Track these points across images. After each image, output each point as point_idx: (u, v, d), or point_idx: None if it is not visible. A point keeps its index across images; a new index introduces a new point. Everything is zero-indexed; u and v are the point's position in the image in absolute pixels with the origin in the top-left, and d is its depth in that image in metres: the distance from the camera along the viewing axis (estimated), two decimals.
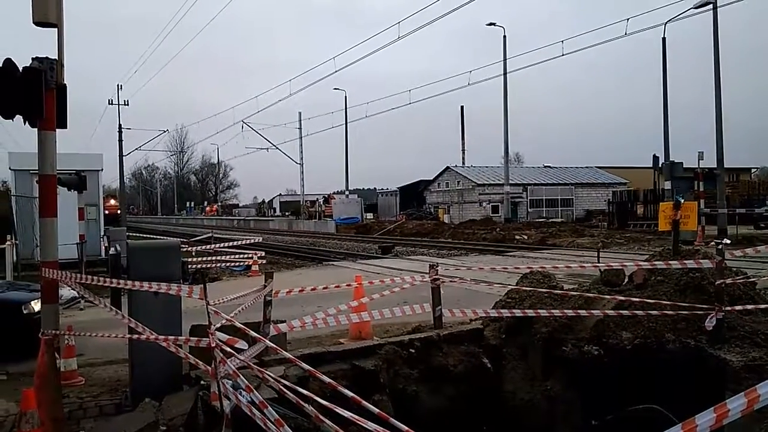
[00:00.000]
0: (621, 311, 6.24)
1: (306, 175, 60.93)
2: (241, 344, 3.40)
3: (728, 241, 5.99)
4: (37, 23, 5.21)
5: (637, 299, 6.19)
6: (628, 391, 5.88)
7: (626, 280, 7.32)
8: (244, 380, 3.19)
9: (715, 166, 26.09)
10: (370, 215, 60.96)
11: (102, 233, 18.68)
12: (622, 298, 6.32)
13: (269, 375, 3.28)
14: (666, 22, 26.21)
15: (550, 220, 47.41)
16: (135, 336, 4.36)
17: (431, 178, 62.68)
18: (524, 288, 7.11)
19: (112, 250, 5.09)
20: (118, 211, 53.57)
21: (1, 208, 19.23)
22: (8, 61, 4.95)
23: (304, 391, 3.49)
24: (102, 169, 20.01)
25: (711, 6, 23.51)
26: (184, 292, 3.96)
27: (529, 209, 53.94)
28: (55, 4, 5.20)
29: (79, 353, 6.90)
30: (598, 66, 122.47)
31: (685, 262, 6.03)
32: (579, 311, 6.42)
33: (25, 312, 7.57)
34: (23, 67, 4.94)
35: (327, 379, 3.32)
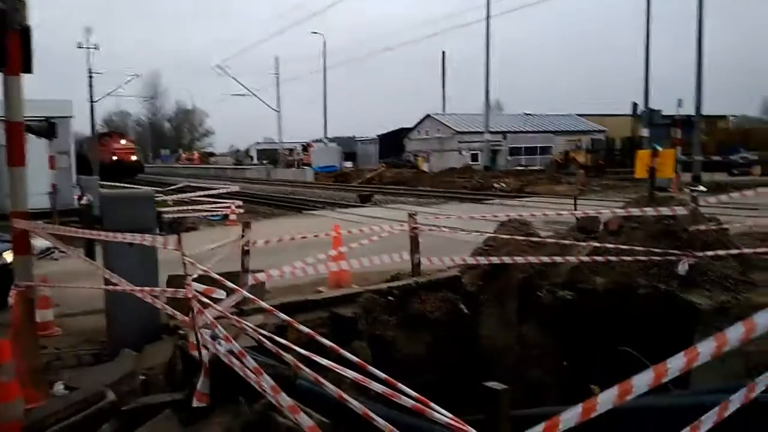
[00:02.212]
0: (595, 257, 6.34)
1: (284, 122, 60.33)
2: (218, 294, 3.37)
3: (703, 189, 6.07)
4: None
5: (612, 245, 6.30)
6: (600, 334, 6.04)
7: (602, 227, 7.43)
8: (222, 330, 3.19)
9: (694, 113, 26.24)
10: (349, 163, 60.53)
11: (74, 182, 18.31)
12: (597, 244, 6.42)
13: (247, 324, 3.28)
14: None
15: (529, 168, 47.64)
16: (111, 287, 4.30)
17: (412, 126, 62.19)
18: (502, 236, 7.17)
19: (84, 200, 4.97)
20: (134, 156, 48.09)
21: None
22: None
23: (283, 341, 3.51)
24: (72, 116, 19.43)
25: None
26: (159, 242, 3.89)
27: (508, 157, 53.99)
28: None
29: (55, 304, 6.85)
30: (581, 13, 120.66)
31: (660, 209, 6.11)
32: (554, 258, 6.51)
33: None
34: None
35: (305, 329, 3.33)
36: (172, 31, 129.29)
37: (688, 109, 26.75)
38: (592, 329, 6.17)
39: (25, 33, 4.93)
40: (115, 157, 45.15)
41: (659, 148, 7.74)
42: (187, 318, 3.44)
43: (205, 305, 3.55)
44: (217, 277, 3.52)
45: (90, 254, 5.13)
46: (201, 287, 3.35)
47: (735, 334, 1.94)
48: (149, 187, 6.31)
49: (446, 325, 6.64)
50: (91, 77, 41.74)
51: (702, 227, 5.96)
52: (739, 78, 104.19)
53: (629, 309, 6.03)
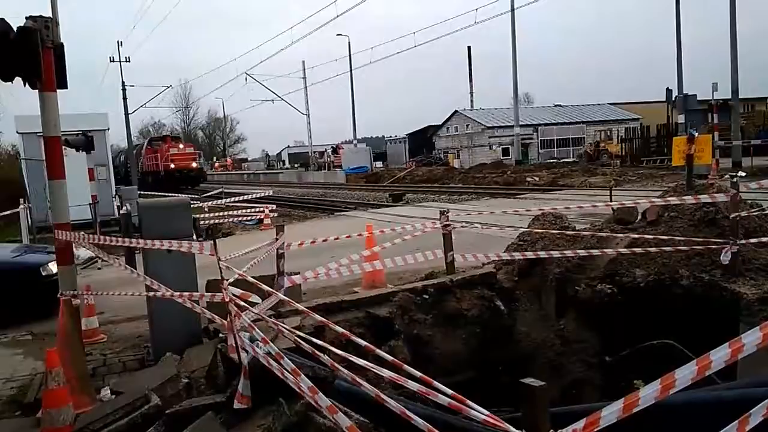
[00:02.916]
0: (634, 249, 6.21)
1: (313, 125, 60.46)
2: (255, 298, 3.43)
3: (743, 174, 5.90)
4: None
5: (651, 236, 6.15)
6: (642, 328, 5.92)
7: (639, 217, 7.28)
8: (260, 332, 3.23)
9: (730, 97, 25.48)
10: (379, 164, 60.72)
11: (114, 193, 18.80)
12: (635, 235, 6.28)
13: (283, 327, 3.31)
14: None
15: (562, 160, 46.96)
16: (152, 294, 4.41)
17: (440, 123, 61.97)
18: (536, 230, 7.09)
19: (123, 210, 5.12)
20: (194, 163, 42.14)
21: (11, 172, 19.37)
22: (2, 22, 4.84)
23: (319, 342, 3.54)
24: (108, 129, 19.95)
25: None
26: (195, 248, 3.97)
27: (540, 150, 53.37)
28: None
29: (99, 311, 7.05)
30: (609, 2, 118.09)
31: (699, 197, 5.94)
32: (591, 251, 6.40)
33: (43, 274, 7.70)
34: (18, 27, 4.84)
35: (340, 329, 3.34)
36: (204, 43, 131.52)
37: (724, 93, 25.99)
38: (634, 323, 6.05)
39: (58, 50, 5.08)
40: (172, 165, 39.93)
41: (696, 134, 7.53)
42: (225, 322, 3.50)
43: (242, 308, 3.62)
44: (253, 280, 3.57)
45: (131, 262, 5.27)
46: (238, 291, 3.41)
47: None
48: (185, 195, 6.47)
49: (483, 322, 6.59)
50: (124, 89, 42.67)
51: (744, 213, 5.78)
52: None
53: (671, 301, 5.89)
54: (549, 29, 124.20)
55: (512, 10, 37.23)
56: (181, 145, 43.28)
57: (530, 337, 6.63)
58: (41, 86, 4.98)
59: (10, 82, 4.91)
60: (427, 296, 6.59)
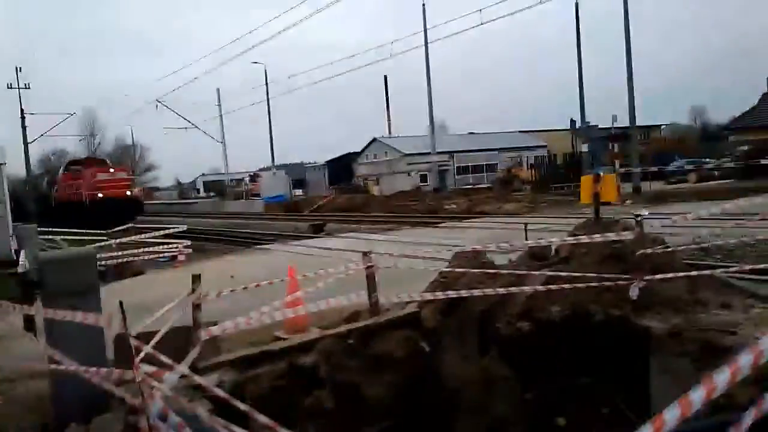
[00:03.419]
0: (549, 286, 6.41)
1: (230, 152, 59.40)
2: (168, 377, 3.20)
3: (646, 213, 6.25)
4: None
5: (564, 273, 6.38)
6: (560, 363, 6.09)
7: (553, 253, 7.55)
8: (176, 417, 3.01)
9: (628, 125, 27.36)
10: (299, 191, 60.26)
11: (10, 231, 17.40)
12: (550, 273, 6.50)
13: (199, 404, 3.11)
14: None
15: (477, 186, 48.51)
16: (53, 366, 4.05)
17: (359, 150, 62.54)
18: (456, 269, 7.19)
19: (20, 268, 4.69)
20: (128, 191, 34.58)
21: None
22: None
23: (240, 405, 3.36)
24: (5, 163, 18.52)
25: None
26: (102, 322, 3.69)
27: (456, 176, 54.91)
28: None
29: None
30: (517, 35, 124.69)
31: (607, 234, 6.25)
32: (510, 288, 6.55)
33: None
34: None
35: (243, 407, 3.16)
36: (107, 68, 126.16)
37: (623, 121, 27.91)
38: (553, 359, 6.21)
39: None
40: (100, 194, 32.69)
41: (601, 173, 7.98)
42: (136, 401, 3.25)
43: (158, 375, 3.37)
44: (167, 360, 3.34)
45: (30, 327, 4.84)
46: (151, 369, 3.18)
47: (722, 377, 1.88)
48: (91, 247, 5.98)
49: (409, 364, 6.56)
50: (23, 118, 40.16)
51: (649, 251, 6.12)
52: (668, 86, 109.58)
53: (587, 336, 6.10)
54: (460, 62, 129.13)
55: (426, 44, 38.45)
56: (111, 169, 36.44)
57: (455, 376, 6.66)
58: None
59: None
60: (351, 341, 6.49)
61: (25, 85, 41.21)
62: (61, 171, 39.65)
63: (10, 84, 41.02)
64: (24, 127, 40.58)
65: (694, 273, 6.01)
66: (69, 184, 36.27)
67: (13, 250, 15.96)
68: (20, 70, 41.06)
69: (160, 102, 49.77)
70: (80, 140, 77.94)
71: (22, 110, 40.58)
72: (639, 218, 6.08)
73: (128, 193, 34.95)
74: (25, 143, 40.81)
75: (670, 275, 5.85)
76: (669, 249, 6.36)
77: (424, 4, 38.93)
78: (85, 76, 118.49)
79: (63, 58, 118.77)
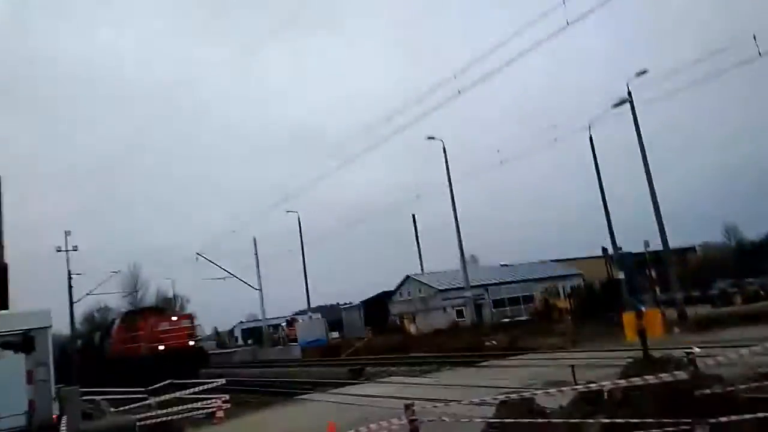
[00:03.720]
0: None
1: (266, 298, 59.78)
2: None
3: (698, 350, 6.05)
4: None
5: (621, 420, 6.08)
6: None
7: (606, 395, 7.23)
8: None
9: (661, 248, 27.10)
10: (335, 333, 59.67)
11: (53, 395, 17.45)
12: (606, 420, 6.19)
13: None
14: (590, 125, 28.29)
15: (516, 318, 47.48)
16: None
17: (393, 289, 62.58)
18: (505, 419, 6.90)
19: None
20: (192, 341, 31.33)
21: None
22: None
23: None
24: (51, 326, 19.05)
25: (628, 103, 25.57)
26: None
27: (492, 309, 54.02)
28: None
29: None
30: (540, 167, 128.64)
31: (661, 375, 6.02)
32: None
33: None
34: None
35: None
36: (151, 225, 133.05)
37: (656, 244, 27.72)
38: None
39: (1, 272, 5.01)
40: (161, 347, 29.91)
41: (643, 309, 7.84)
42: None
43: None
44: None
45: None
46: None
47: None
48: (131, 417, 5.89)
49: None
50: (70, 278, 41.87)
51: (707, 391, 5.84)
52: (698, 204, 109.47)
53: None
54: (485, 196, 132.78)
55: (450, 183, 39.92)
56: (173, 317, 32.91)
57: None
58: None
59: None
60: None
61: (73, 247, 43.46)
62: (116, 323, 36.65)
63: (59, 247, 43.31)
64: (70, 287, 42.12)
65: (761, 415, 5.64)
66: (125, 337, 33.03)
67: (54, 416, 15.91)
68: (69, 234, 43.59)
69: (200, 255, 51.43)
70: (124, 296, 79.97)
71: (69, 272, 42.42)
72: (691, 356, 5.87)
73: (191, 343, 31.32)
74: (71, 303, 42.16)
75: (735, 418, 5.51)
76: (730, 387, 6.05)
77: (444, 148, 40.83)
78: (128, 235, 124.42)
79: (109, 223, 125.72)
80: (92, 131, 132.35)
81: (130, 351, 31.61)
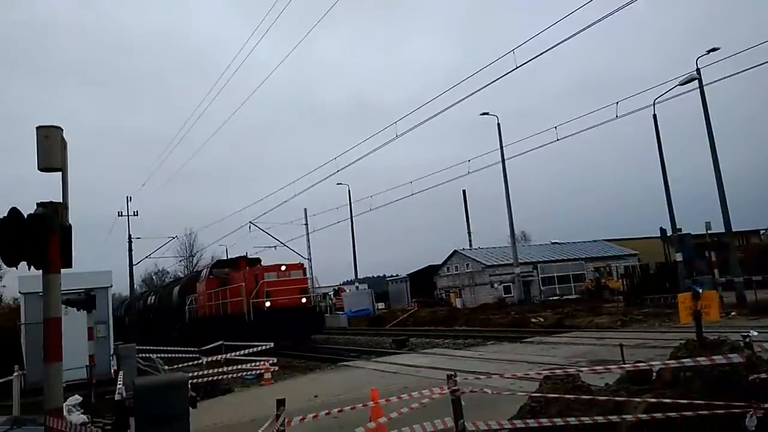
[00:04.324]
0: (653, 414, 5.90)
1: (315, 267, 60.72)
2: None
3: (755, 333, 5.76)
4: (43, 169, 5.34)
5: (669, 400, 5.87)
6: None
7: (654, 376, 7.01)
8: None
9: (723, 231, 25.95)
10: (381, 304, 60.25)
11: (111, 351, 18.38)
12: (653, 399, 6.00)
13: None
14: (654, 101, 27.03)
15: (564, 297, 46.70)
16: None
17: (440, 263, 62.50)
18: (548, 393, 6.79)
19: (117, 396, 4.92)
20: (305, 299, 25.49)
21: (10, 331, 19.11)
22: (13, 210, 5.01)
23: None
24: (111, 286, 20.00)
25: (696, 82, 24.31)
26: None
27: (541, 287, 53.29)
28: (59, 151, 5.34)
29: None
30: (596, 145, 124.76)
31: (714, 357, 5.77)
32: (609, 417, 6.08)
33: None
34: (28, 215, 5.00)
35: None
36: (208, 194, 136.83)
37: (718, 227, 26.49)
38: None
39: (65, 232, 5.21)
40: (268, 304, 24.00)
41: (700, 290, 7.51)
42: None
43: None
44: None
45: None
46: None
47: None
48: (183, 374, 6.08)
49: None
50: (130, 242, 43.63)
51: (763, 375, 5.57)
52: (764, 186, 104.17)
53: None
54: (540, 171, 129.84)
55: (503, 160, 39.16)
56: (283, 267, 25.43)
57: None
58: (45, 269, 5.03)
59: (14, 267, 4.97)
60: None
61: (135, 212, 45.21)
62: (203, 276, 30.56)
63: (120, 212, 45.14)
64: (130, 250, 43.98)
65: None
66: (215, 293, 27.82)
67: (112, 370, 16.77)
68: (130, 200, 45.34)
69: (252, 223, 52.48)
70: (179, 261, 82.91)
71: (129, 236, 44.23)
72: (748, 339, 5.60)
73: (304, 300, 25.19)
74: (131, 265, 44.04)
75: None
76: None
77: (498, 124, 40.06)
78: (188, 202, 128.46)
79: (169, 190, 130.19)
80: (156, 103, 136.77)
81: (222, 310, 26.73)
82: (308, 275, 27.64)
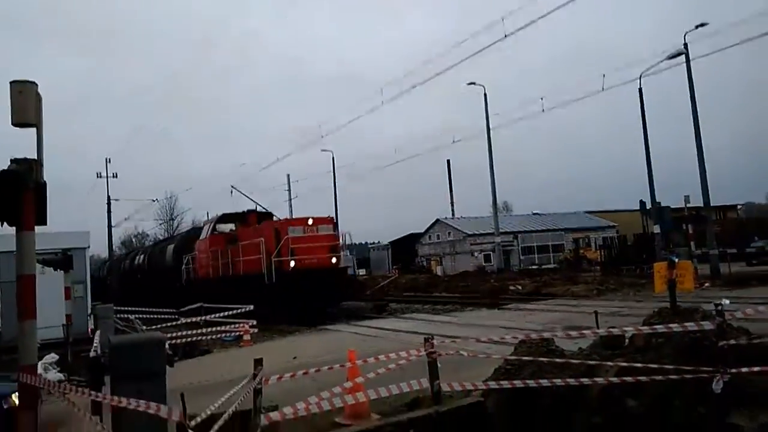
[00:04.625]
0: (624, 378, 6.03)
1: None
2: None
3: (727, 302, 5.87)
4: (16, 124, 5.18)
5: (640, 364, 6.01)
6: None
7: (627, 341, 7.16)
8: None
9: (702, 205, 26.34)
10: (362, 270, 60.57)
11: (89, 311, 18.27)
12: (625, 363, 6.13)
13: None
14: (641, 75, 27.02)
15: (543, 266, 47.36)
16: None
17: (422, 231, 62.82)
18: (523, 356, 6.91)
19: (91, 352, 4.88)
20: (335, 257, 21.27)
21: None
22: None
23: None
24: (89, 246, 19.78)
25: (683, 57, 24.29)
26: (164, 412, 3.76)
27: (521, 257, 53.93)
28: (34, 106, 5.18)
29: None
30: (581, 118, 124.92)
31: (686, 324, 5.89)
32: (582, 380, 6.21)
33: (5, 407, 7.23)
34: (1, 171, 4.87)
35: None
36: (190, 156, 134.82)
37: (696, 201, 26.87)
38: None
39: (39, 190, 5.09)
40: (292, 263, 20.31)
41: (676, 260, 7.62)
42: None
43: None
44: None
45: (97, 405, 4.98)
46: None
47: None
48: (160, 333, 5.99)
49: None
50: (109, 203, 43.05)
51: (732, 342, 5.70)
52: (743, 164, 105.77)
53: None
54: (524, 142, 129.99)
55: (488, 129, 39.08)
56: (309, 221, 21.17)
57: None
58: (19, 226, 4.92)
59: None
60: (412, 430, 6.27)
61: (114, 174, 44.49)
62: (207, 230, 26.64)
63: (99, 173, 44.39)
64: (109, 212, 43.42)
65: None
66: (221, 251, 24.37)
67: (89, 329, 16.70)
68: (110, 161, 44.55)
69: (234, 188, 51.94)
70: (160, 224, 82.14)
71: (108, 197, 43.61)
72: (720, 307, 5.70)
73: (334, 260, 21.43)
74: (109, 227, 43.53)
75: (756, 369, 5.39)
76: (755, 340, 5.90)
77: (485, 94, 39.83)
78: (168, 165, 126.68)
79: (150, 151, 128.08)
80: (140, 63, 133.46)
81: (231, 270, 23.42)
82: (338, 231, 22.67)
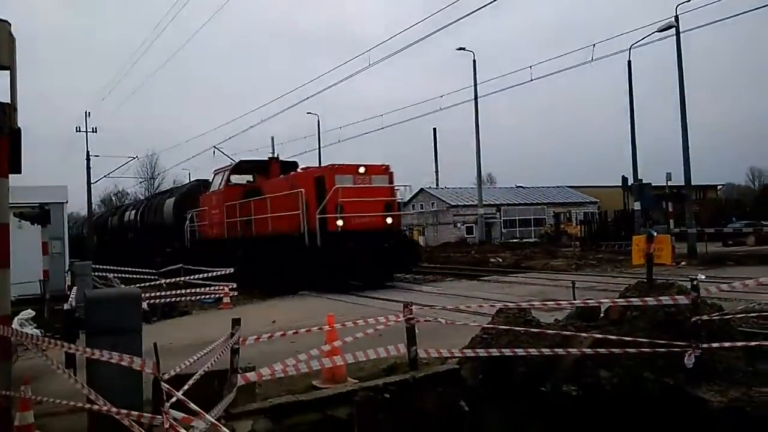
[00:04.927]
0: (598, 349, 6.13)
1: None
2: (198, 423, 3.17)
3: (703, 277, 5.96)
4: None
5: (614, 337, 6.10)
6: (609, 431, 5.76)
7: (602, 314, 7.26)
8: None
9: (683, 184, 26.61)
10: None
11: (66, 268, 18.11)
12: (599, 335, 6.23)
13: None
14: (631, 47, 26.90)
15: (524, 240, 47.82)
16: (89, 406, 4.08)
17: (406, 200, 62.82)
18: (499, 326, 6.98)
19: (67, 305, 4.82)
20: (391, 219, 17.35)
21: None
22: None
23: None
24: (67, 201, 19.50)
25: (674, 30, 24.20)
26: (137, 364, 3.72)
27: (503, 230, 54.35)
28: (7, 46, 4.98)
29: (37, 401, 6.48)
30: (568, 89, 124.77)
31: (661, 298, 5.97)
32: (556, 350, 6.30)
33: None
34: None
35: None
36: (175, 115, 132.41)
37: (678, 180, 27.15)
38: (600, 425, 5.89)
39: (14, 136, 4.94)
40: (340, 222, 16.39)
41: (655, 234, 7.69)
42: None
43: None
44: (195, 407, 3.31)
45: (72, 358, 4.96)
46: (179, 415, 3.15)
47: None
48: (136, 288, 5.89)
49: (446, 423, 6.33)
50: (88, 159, 42.29)
51: (705, 317, 5.81)
52: (726, 146, 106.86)
53: (637, 404, 5.77)
54: (510, 114, 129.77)
55: (476, 98, 38.83)
56: (361, 169, 17.03)
57: None
58: None
59: None
60: (388, 395, 6.33)
61: (93, 129, 43.66)
62: (218, 183, 22.17)
63: (79, 128, 43.52)
64: (89, 168, 42.69)
65: (754, 343, 5.63)
66: (239, 205, 20.25)
67: (66, 286, 16.57)
68: (89, 115, 43.64)
69: (216, 148, 51.34)
70: (140, 183, 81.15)
71: (88, 152, 42.81)
72: (695, 282, 5.79)
73: (389, 221, 17.60)
74: (89, 183, 42.81)
75: (728, 344, 5.50)
76: (727, 316, 6.01)
77: (474, 60, 39.49)
78: (150, 123, 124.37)
79: (132, 106, 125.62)
80: (123, 13, 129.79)
81: (255, 229, 19.50)
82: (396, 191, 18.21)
